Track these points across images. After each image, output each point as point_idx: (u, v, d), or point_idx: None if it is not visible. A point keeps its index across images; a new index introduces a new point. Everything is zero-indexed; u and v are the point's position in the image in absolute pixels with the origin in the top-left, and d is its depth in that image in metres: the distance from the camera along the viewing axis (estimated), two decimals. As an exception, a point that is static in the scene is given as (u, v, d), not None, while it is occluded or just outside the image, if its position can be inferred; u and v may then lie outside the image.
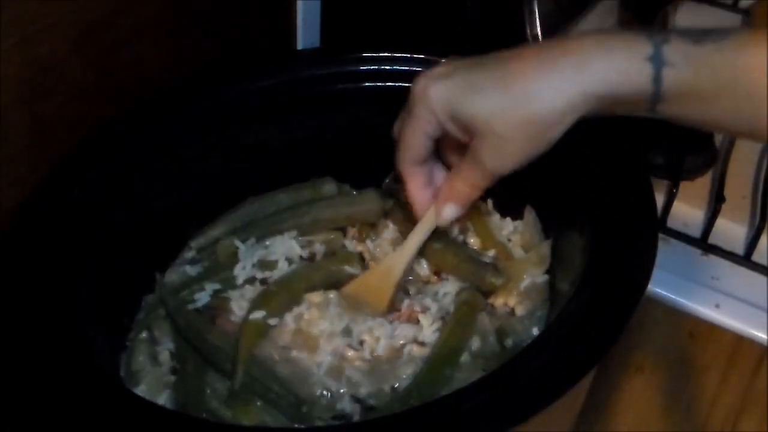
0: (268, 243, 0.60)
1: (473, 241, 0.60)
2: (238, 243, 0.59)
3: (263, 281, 0.57)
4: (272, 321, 0.54)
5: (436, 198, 0.53)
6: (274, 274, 0.58)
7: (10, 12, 0.48)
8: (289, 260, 0.59)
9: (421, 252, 0.56)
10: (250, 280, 0.58)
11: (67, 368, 0.42)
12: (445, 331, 0.53)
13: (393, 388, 0.51)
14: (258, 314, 0.54)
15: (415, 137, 0.49)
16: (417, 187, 0.53)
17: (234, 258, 0.59)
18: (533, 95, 0.44)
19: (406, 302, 0.56)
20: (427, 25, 0.45)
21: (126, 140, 0.56)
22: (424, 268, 0.58)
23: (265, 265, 0.58)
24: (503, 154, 0.46)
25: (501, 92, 0.45)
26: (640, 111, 0.45)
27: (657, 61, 0.42)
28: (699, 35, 0.42)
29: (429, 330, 0.54)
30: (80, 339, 0.45)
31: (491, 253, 0.59)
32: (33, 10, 0.49)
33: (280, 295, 0.55)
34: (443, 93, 0.47)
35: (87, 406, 0.40)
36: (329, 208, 0.61)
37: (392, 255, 0.56)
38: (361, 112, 0.63)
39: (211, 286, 0.57)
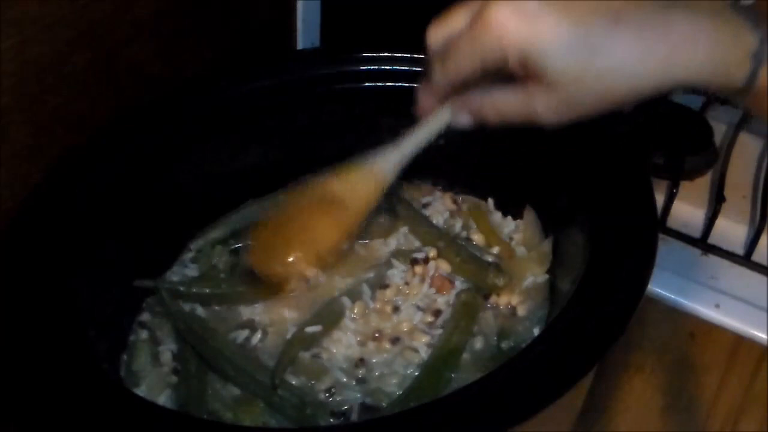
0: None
1: (476, 238, 0.60)
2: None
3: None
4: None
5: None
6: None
7: (10, 12, 0.48)
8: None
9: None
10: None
11: (67, 368, 0.42)
12: (445, 332, 0.53)
13: (390, 385, 0.51)
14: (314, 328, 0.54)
15: (471, 69, 0.42)
16: (434, 102, 0.48)
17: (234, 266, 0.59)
18: (625, 75, 0.40)
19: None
20: (427, 25, 0.45)
21: (126, 140, 0.56)
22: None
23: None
24: (562, 113, 0.42)
25: (589, 59, 0.39)
26: (719, 94, 0.42)
27: (757, 59, 0.39)
28: None
29: (423, 337, 0.54)
30: (80, 339, 0.45)
31: (495, 250, 0.59)
32: (33, 10, 0.49)
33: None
34: (525, 36, 0.39)
35: (87, 405, 0.40)
36: None
37: (387, 153, 0.51)
38: (361, 112, 0.63)
39: (213, 291, 0.57)
